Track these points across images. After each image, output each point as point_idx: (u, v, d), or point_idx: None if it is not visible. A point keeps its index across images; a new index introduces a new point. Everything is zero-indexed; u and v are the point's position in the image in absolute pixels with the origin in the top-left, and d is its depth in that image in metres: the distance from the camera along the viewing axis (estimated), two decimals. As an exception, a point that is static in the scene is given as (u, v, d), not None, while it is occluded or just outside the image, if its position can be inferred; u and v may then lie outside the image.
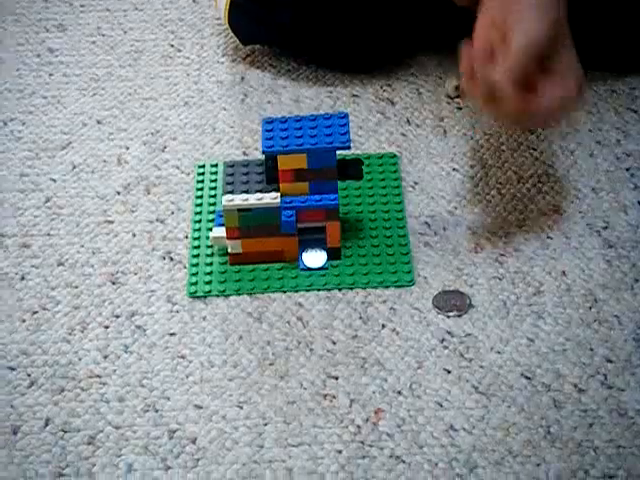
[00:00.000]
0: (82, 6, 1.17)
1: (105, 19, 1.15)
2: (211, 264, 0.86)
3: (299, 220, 0.83)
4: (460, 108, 1.01)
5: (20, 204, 0.92)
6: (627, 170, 0.94)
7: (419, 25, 1.06)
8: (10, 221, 0.91)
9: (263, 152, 0.81)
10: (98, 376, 0.78)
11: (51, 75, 1.07)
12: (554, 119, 0.88)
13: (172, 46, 1.11)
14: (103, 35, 1.12)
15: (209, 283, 0.84)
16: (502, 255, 0.86)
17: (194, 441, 0.73)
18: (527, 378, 0.77)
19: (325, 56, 1.04)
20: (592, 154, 0.96)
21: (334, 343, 0.80)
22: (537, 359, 0.78)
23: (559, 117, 0.88)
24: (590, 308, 0.82)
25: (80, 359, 0.79)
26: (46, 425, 0.75)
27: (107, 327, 0.81)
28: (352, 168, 0.85)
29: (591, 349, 0.79)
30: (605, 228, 0.88)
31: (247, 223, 0.83)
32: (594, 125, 0.99)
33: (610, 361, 0.78)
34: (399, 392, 0.76)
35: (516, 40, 0.78)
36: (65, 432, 0.74)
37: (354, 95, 1.03)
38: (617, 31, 0.99)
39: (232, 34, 1.07)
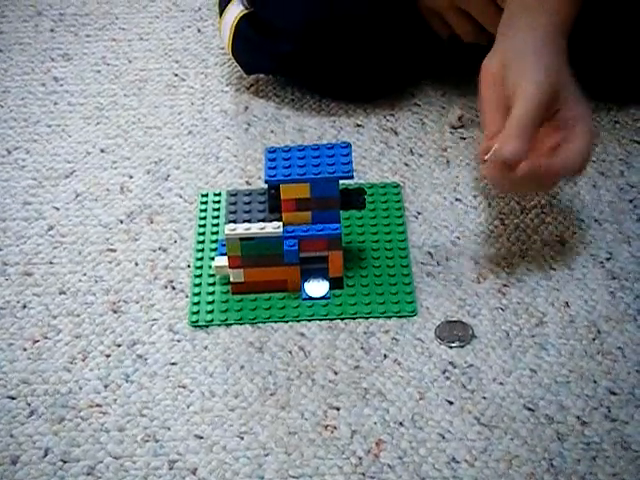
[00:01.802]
0: (88, 36, 1.17)
1: (110, 49, 1.15)
2: (213, 293, 0.86)
3: (301, 249, 0.83)
4: (464, 138, 1.01)
5: (23, 232, 0.92)
6: (630, 202, 0.94)
7: (423, 55, 1.07)
8: (13, 249, 0.91)
9: (266, 181, 0.81)
10: (98, 405, 0.77)
11: (56, 104, 1.08)
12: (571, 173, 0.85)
13: (176, 75, 1.11)
14: (108, 64, 1.13)
15: (211, 312, 0.84)
16: (505, 286, 0.86)
17: (194, 472, 0.73)
18: (530, 410, 0.76)
19: (328, 86, 1.05)
20: (595, 185, 0.96)
21: (336, 373, 0.79)
22: (540, 391, 0.78)
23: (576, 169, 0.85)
24: (593, 340, 0.81)
25: (81, 388, 0.79)
26: (45, 455, 0.74)
27: (108, 356, 0.81)
28: (355, 198, 0.85)
29: (594, 381, 0.78)
30: (608, 259, 0.88)
31: (249, 252, 0.83)
32: (597, 156, 0.99)
33: (614, 393, 0.77)
34: (401, 423, 0.76)
35: (516, 107, 0.80)
36: (65, 462, 0.74)
37: (357, 125, 1.03)
38: (621, 62, 0.99)
39: (236, 64, 1.08)
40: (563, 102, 0.82)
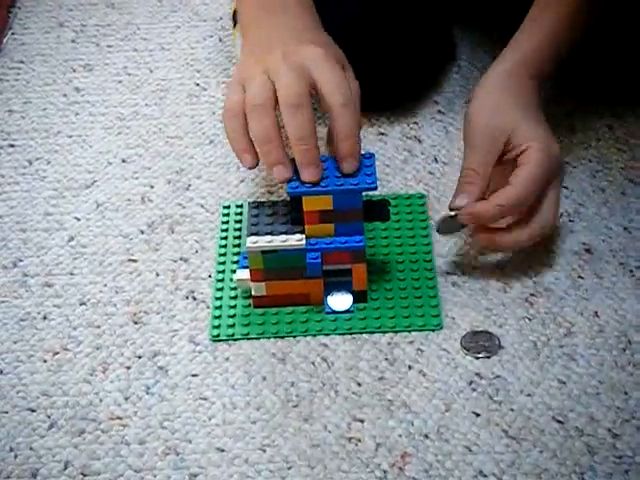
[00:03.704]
0: (109, 46, 1.17)
1: (132, 59, 1.15)
2: (235, 307, 0.85)
3: (324, 262, 0.81)
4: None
5: (44, 243, 0.92)
6: (660, 209, 0.92)
7: (444, 60, 1.06)
8: (33, 260, 0.90)
9: (288, 193, 0.80)
10: (119, 418, 0.76)
11: (77, 114, 1.07)
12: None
13: (198, 85, 1.10)
14: (129, 74, 1.12)
15: (232, 326, 0.83)
16: (532, 295, 0.84)
17: (216, 485, 0.72)
18: (559, 422, 0.75)
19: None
20: (624, 192, 0.94)
21: (359, 385, 0.78)
22: (569, 402, 0.76)
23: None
24: (624, 350, 0.79)
25: (101, 400, 0.78)
26: (65, 468, 0.73)
27: (129, 368, 0.80)
28: (379, 210, 0.83)
29: (625, 392, 0.76)
30: (638, 268, 0.86)
31: (271, 265, 0.81)
32: (626, 163, 0.97)
33: (645, 405, 0.75)
34: (426, 436, 0.74)
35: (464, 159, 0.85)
36: (85, 475, 0.73)
37: (381, 133, 1.02)
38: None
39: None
40: (511, 140, 0.83)
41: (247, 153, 0.80)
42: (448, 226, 0.85)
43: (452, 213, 0.83)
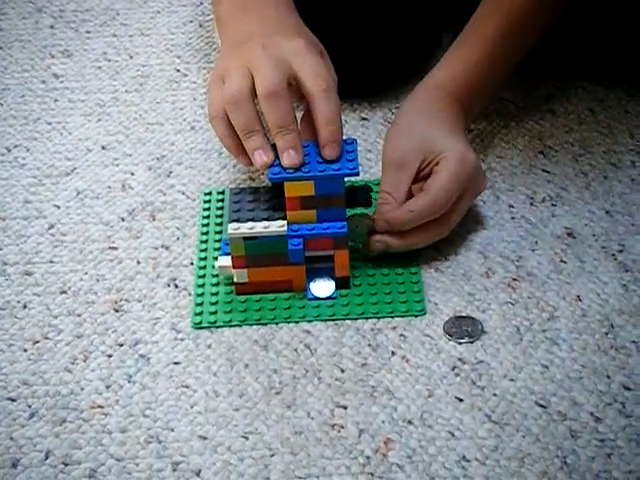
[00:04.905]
0: (88, 32, 1.16)
1: (111, 44, 1.14)
2: (217, 294, 0.84)
3: (307, 248, 0.81)
4: (470, 130, 0.99)
5: (23, 231, 0.91)
6: (642, 192, 0.92)
7: (427, 45, 1.05)
8: (13, 248, 0.89)
9: (269, 179, 0.80)
10: (100, 407, 0.76)
11: (56, 101, 1.06)
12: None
13: (178, 71, 1.10)
14: (109, 60, 1.12)
15: (214, 313, 0.82)
16: (515, 280, 0.84)
17: (198, 473, 0.71)
18: (542, 406, 0.75)
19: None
20: (606, 176, 0.94)
21: (342, 371, 0.78)
22: (552, 387, 0.76)
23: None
24: (606, 334, 0.80)
25: (82, 389, 0.77)
26: (46, 458, 0.73)
27: (110, 356, 0.80)
28: (361, 195, 0.83)
29: (608, 376, 0.76)
30: (620, 251, 0.86)
31: (253, 252, 0.81)
32: (608, 147, 0.97)
33: (628, 389, 0.75)
34: (409, 421, 0.74)
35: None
36: (66, 465, 0.72)
37: (363, 118, 1.02)
38: (632, 49, 0.98)
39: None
40: (426, 157, 0.83)
41: (242, 155, 0.82)
42: (357, 232, 0.84)
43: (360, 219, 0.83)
